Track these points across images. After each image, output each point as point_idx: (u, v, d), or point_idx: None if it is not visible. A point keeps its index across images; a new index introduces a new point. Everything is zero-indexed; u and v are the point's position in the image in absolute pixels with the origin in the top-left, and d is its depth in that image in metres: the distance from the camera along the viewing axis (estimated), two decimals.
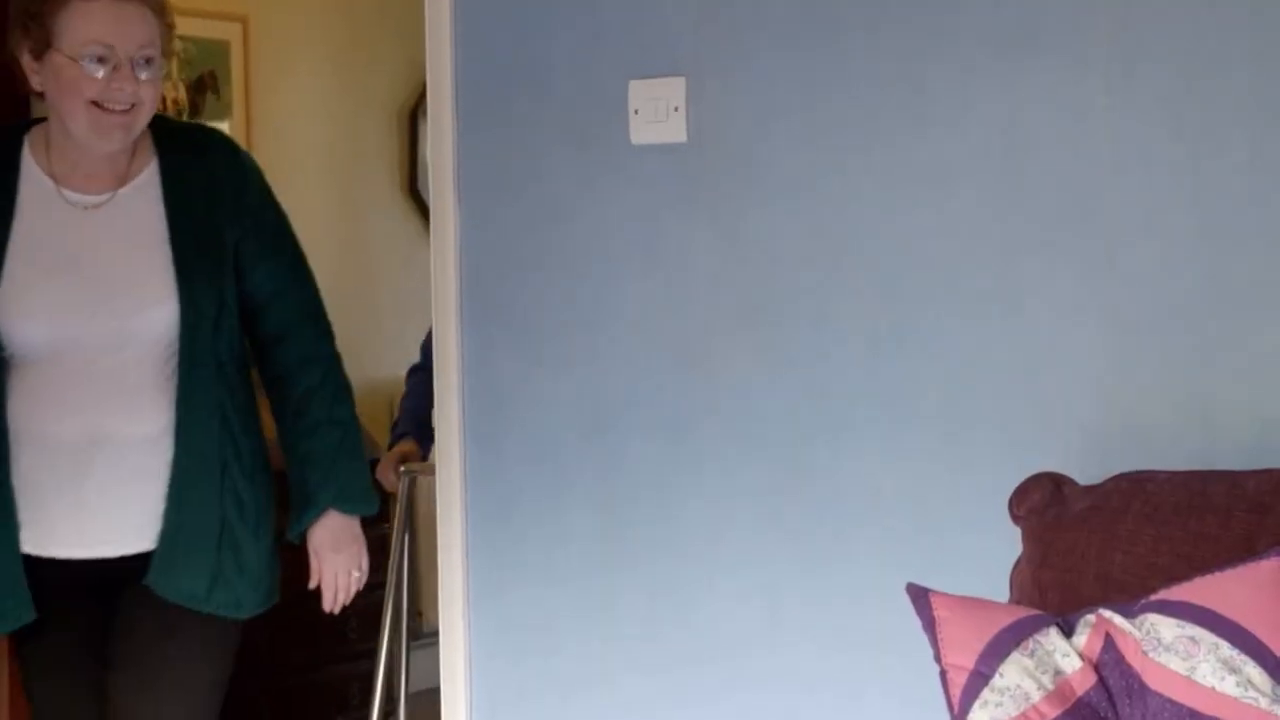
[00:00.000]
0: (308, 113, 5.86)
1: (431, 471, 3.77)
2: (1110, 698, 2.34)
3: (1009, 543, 2.71)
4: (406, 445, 4.23)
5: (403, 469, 4.15)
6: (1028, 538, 2.65)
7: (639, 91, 3.21)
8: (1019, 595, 2.62)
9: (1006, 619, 2.40)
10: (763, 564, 3.14)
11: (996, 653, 2.36)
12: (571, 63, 3.29)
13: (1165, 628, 2.31)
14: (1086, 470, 2.73)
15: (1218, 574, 2.34)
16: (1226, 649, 2.28)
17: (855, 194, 3.05)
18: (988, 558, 2.81)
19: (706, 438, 3.19)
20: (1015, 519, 2.69)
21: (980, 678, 2.35)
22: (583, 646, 3.32)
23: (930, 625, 2.43)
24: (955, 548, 2.94)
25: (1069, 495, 2.65)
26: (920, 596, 2.46)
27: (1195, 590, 2.32)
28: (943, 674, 2.40)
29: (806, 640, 3.11)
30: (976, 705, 2.35)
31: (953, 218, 2.97)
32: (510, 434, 3.37)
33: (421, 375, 4.16)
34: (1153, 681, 2.31)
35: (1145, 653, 2.32)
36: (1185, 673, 2.29)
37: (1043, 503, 2.65)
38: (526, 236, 3.34)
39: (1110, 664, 2.35)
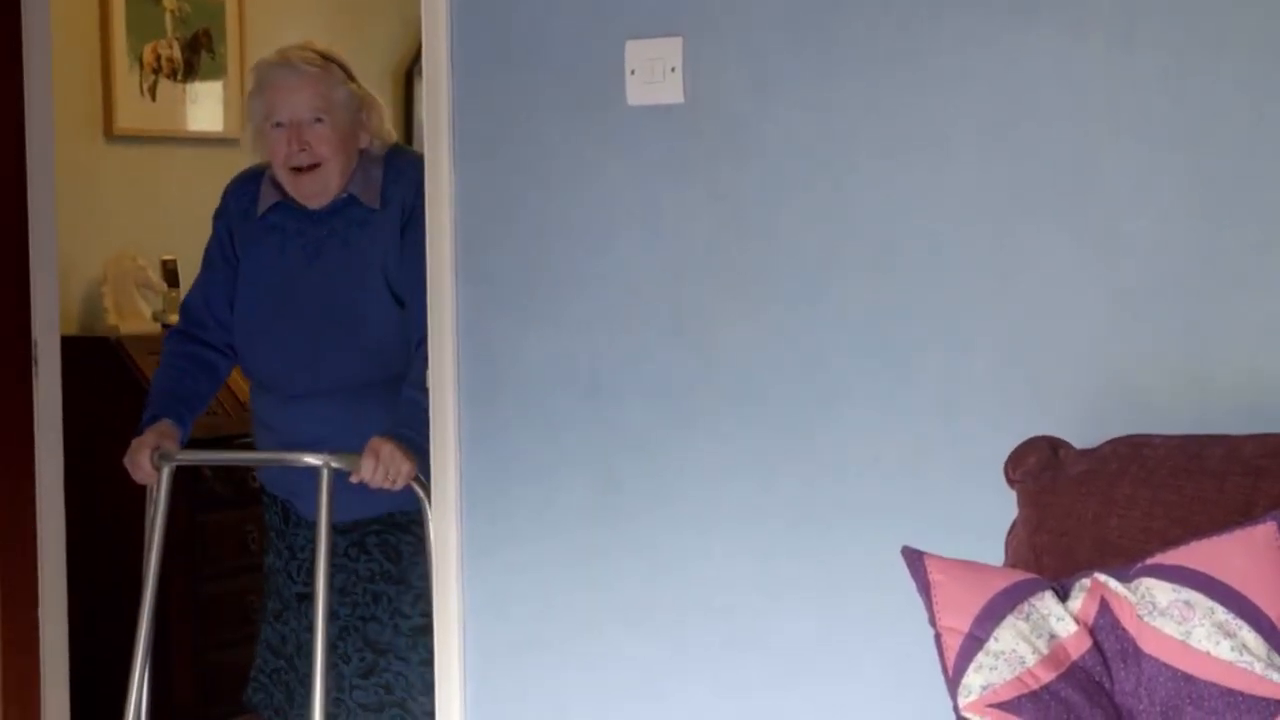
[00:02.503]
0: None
1: (198, 461, 3.71)
2: (1105, 662, 2.34)
3: (1005, 506, 2.71)
4: (164, 428, 3.69)
5: (159, 457, 3.64)
6: (1024, 501, 2.65)
7: (636, 52, 3.19)
8: (1014, 559, 2.62)
9: (1002, 582, 2.40)
10: (758, 527, 3.14)
11: (991, 616, 2.36)
12: (568, 22, 3.27)
13: (1161, 592, 2.31)
14: (1083, 435, 2.73)
15: (1214, 538, 2.34)
16: (1222, 613, 2.28)
17: (853, 158, 3.04)
18: (983, 521, 2.81)
19: (701, 401, 3.18)
20: (1011, 482, 2.69)
21: (975, 641, 2.35)
22: (576, 609, 3.32)
23: (925, 588, 2.43)
24: (951, 511, 2.94)
25: (1065, 459, 2.65)
26: (915, 559, 2.46)
27: (1191, 554, 2.32)
28: (937, 637, 2.40)
29: (801, 603, 3.11)
30: (971, 668, 2.35)
31: (950, 183, 2.96)
32: (504, 397, 3.37)
33: (180, 343, 3.84)
34: (1148, 645, 2.31)
35: (1140, 617, 2.32)
36: (1180, 637, 2.29)
37: (1039, 466, 2.65)
38: (522, 197, 3.33)
39: (1105, 628, 2.35)
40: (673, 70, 3.16)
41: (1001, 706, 2.31)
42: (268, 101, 3.70)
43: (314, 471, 3.55)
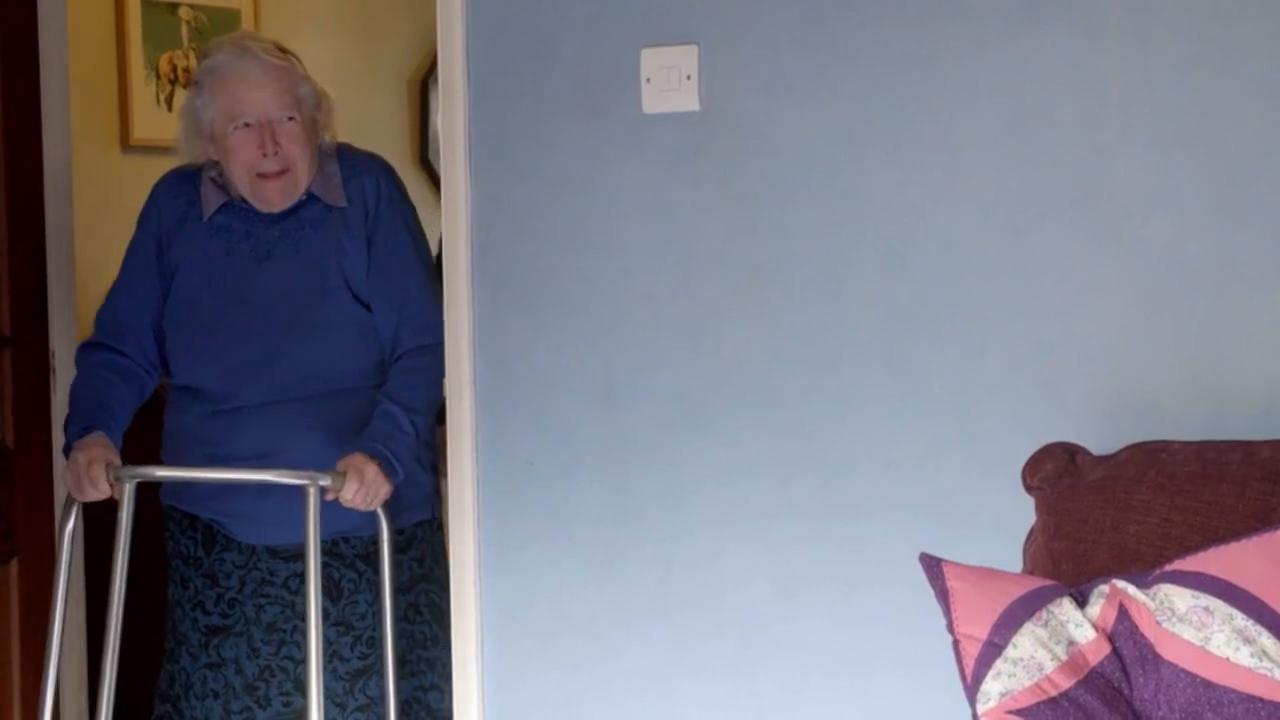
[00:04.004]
0: (318, 80, 5.85)
1: (165, 478, 3.40)
2: (1124, 668, 2.34)
3: (1021, 511, 2.71)
4: (104, 440, 3.39)
5: (116, 473, 3.33)
6: (1041, 508, 2.65)
7: (651, 59, 3.20)
8: (1032, 565, 2.61)
9: (1020, 589, 2.39)
10: (772, 531, 3.14)
11: (1010, 623, 2.36)
12: (583, 30, 3.27)
13: (1179, 598, 2.31)
14: (1100, 441, 2.73)
15: (1233, 544, 2.33)
16: (1241, 619, 2.27)
17: (867, 165, 3.04)
18: (1001, 528, 2.80)
19: (717, 409, 3.18)
20: (1029, 489, 2.69)
21: (993, 648, 2.35)
22: (592, 617, 3.32)
23: (943, 595, 2.42)
24: (968, 518, 2.94)
25: (1083, 465, 2.65)
26: (933, 566, 2.45)
27: (1210, 560, 2.32)
28: (956, 644, 2.40)
29: (817, 611, 3.11)
30: (989, 675, 2.34)
31: (965, 188, 2.96)
32: (520, 404, 3.37)
33: (100, 354, 3.53)
34: (1166, 652, 2.31)
35: (1159, 623, 2.32)
36: (1199, 643, 2.28)
37: (1056, 473, 2.65)
38: (537, 206, 3.33)
39: (1124, 634, 2.34)
40: (688, 78, 3.16)
41: (1020, 713, 2.31)
42: (229, 98, 3.39)
43: (300, 491, 3.27)
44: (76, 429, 3.40)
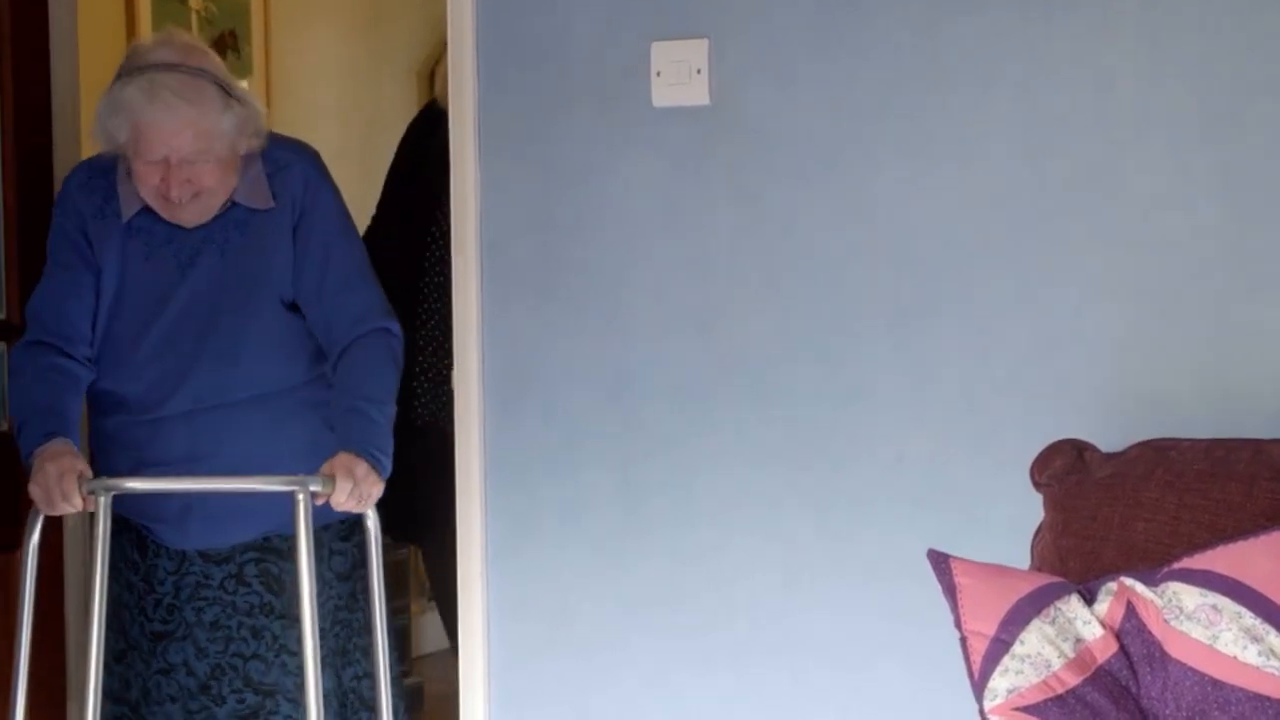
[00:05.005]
0: (328, 72, 5.85)
1: (144, 489, 3.13)
2: (1131, 665, 2.33)
3: (1029, 507, 2.71)
4: (70, 449, 3.10)
5: (86, 486, 3.04)
6: (1049, 505, 2.65)
7: (661, 53, 3.19)
8: (1040, 562, 2.61)
9: (1027, 586, 2.39)
10: (781, 529, 3.14)
11: (1017, 620, 2.36)
12: (593, 23, 3.27)
13: (1187, 596, 2.31)
14: (1108, 438, 2.73)
15: (1241, 542, 2.33)
16: (1249, 618, 2.27)
17: (877, 159, 3.04)
18: (1009, 524, 2.80)
19: (725, 403, 3.19)
20: (1037, 486, 2.69)
21: (1001, 645, 2.35)
22: (599, 609, 3.32)
23: (951, 591, 2.42)
24: (976, 514, 2.94)
25: (1091, 462, 2.64)
26: (941, 562, 2.45)
27: (1218, 558, 2.32)
28: (963, 641, 2.40)
29: (825, 605, 3.11)
30: (997, 672, 2.34)
31: (976, 183, 2.96)
32: (529, 397, 3.37)
33: (43, 354, 3.25)
34: (1174, 650, 2.31)
35: (1167, 621, 2.32)
36: (1207, 641, 2.28)
37: (1065, 469, 2.65)
38: (547, 198, 3.33)
39: (1131, 632, 2.34)
40: (698, 72, 3.16)
41: (1027, 710, 2.31)
42: (137, 136, 3.15)
43: (289, 497, 3.05)
44: (36, 435, 3.14)
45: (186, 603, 3.30)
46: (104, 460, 3.29)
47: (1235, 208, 2.77)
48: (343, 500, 3.09)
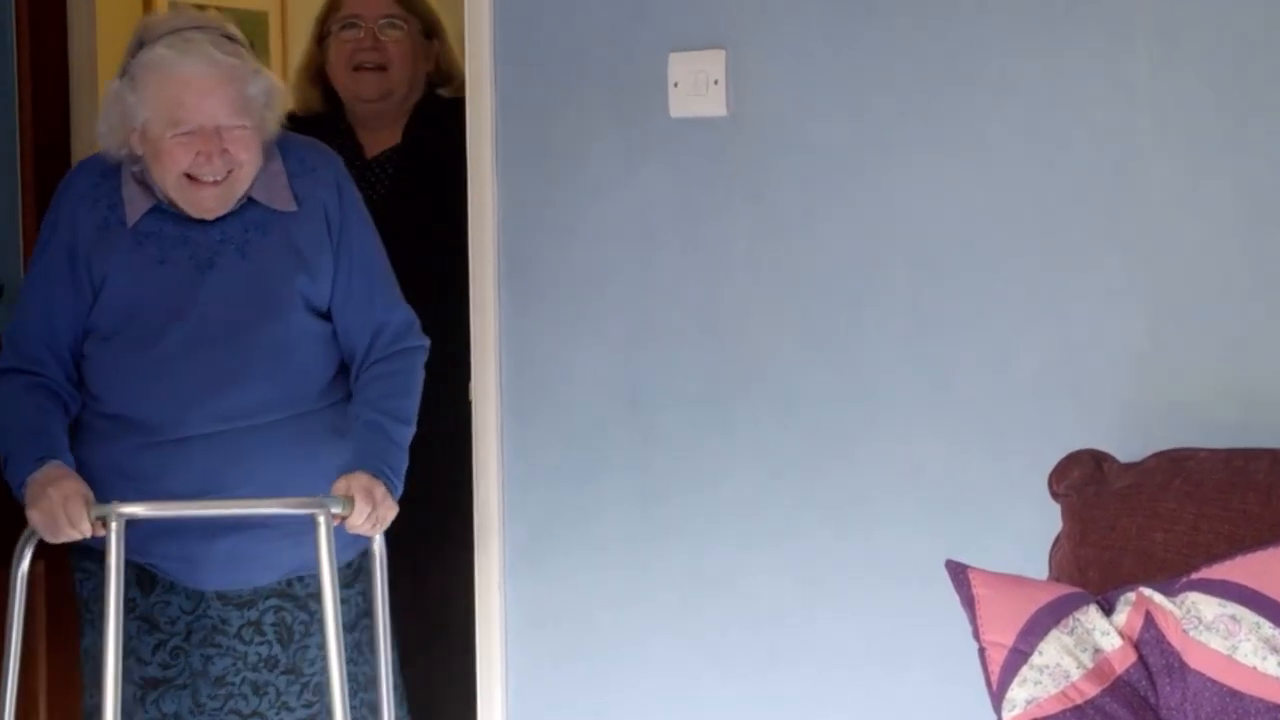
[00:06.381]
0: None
1: (157, 516, 2.91)
2: (1150, 676, 2.33)
3: (1049, 520, 2.70)
4: (70, 472, 2.90)
5: (95, 511, 2.84)
6: (1067, 515, 2.64)
7: (679, 64, 3.20)
8: (1058, 573, 2.61)
9: (1046, 596, 2.39)
10: (799, 538, 3.14)
11: (1036, 630, 2.35)
12: (611, 34, 3.28)
13: (1206, 606, 2.30)
14: (1126, 448, 2.72)
15: (1260, 552, 2.33)
16: (1268, 628, 2.27)
17: (894, 168, 3.03)
18: (1027, 535, 2.80)
19: (743, 412, 3.18)
20: (1055, 496, 2.69)
21: (1019, 655, 2.35)
22: (618, 618, 3.32)
23: (969, 602, 2.42)
24: (994, 524, 2.93)
25: (1109, 472, 2.64)
26: (959, 573, 2.45)
27: (1237, 569, 2.32)
28: (981, 651, 2.40)
29: (843, 615, 3.11)
30: (1015, 682, 2.34)
31: (993, 193, 2.96)
32: (547, 407, 3.37)
33: (22, 379, 3.02)
34: (1193, 660, 2.30)
35: (1186, 631, 2.31)
36: (1226, 652, 2.28)
37: (1083, 480, 2.65)
38: (564, 209, 3.34)
39: (1150, 642, 2.34)
40: (715, 83, 3.16)
41: None
42: (169, 102, 2.91)
43: (310, 520, 2.89)
44: (29, 460, 2.90)
45: (196, 648, 3.04)
46: (104, 497, 2.91)
47: (1255, 215, 2.76)
48: (359, 523, 2.94)
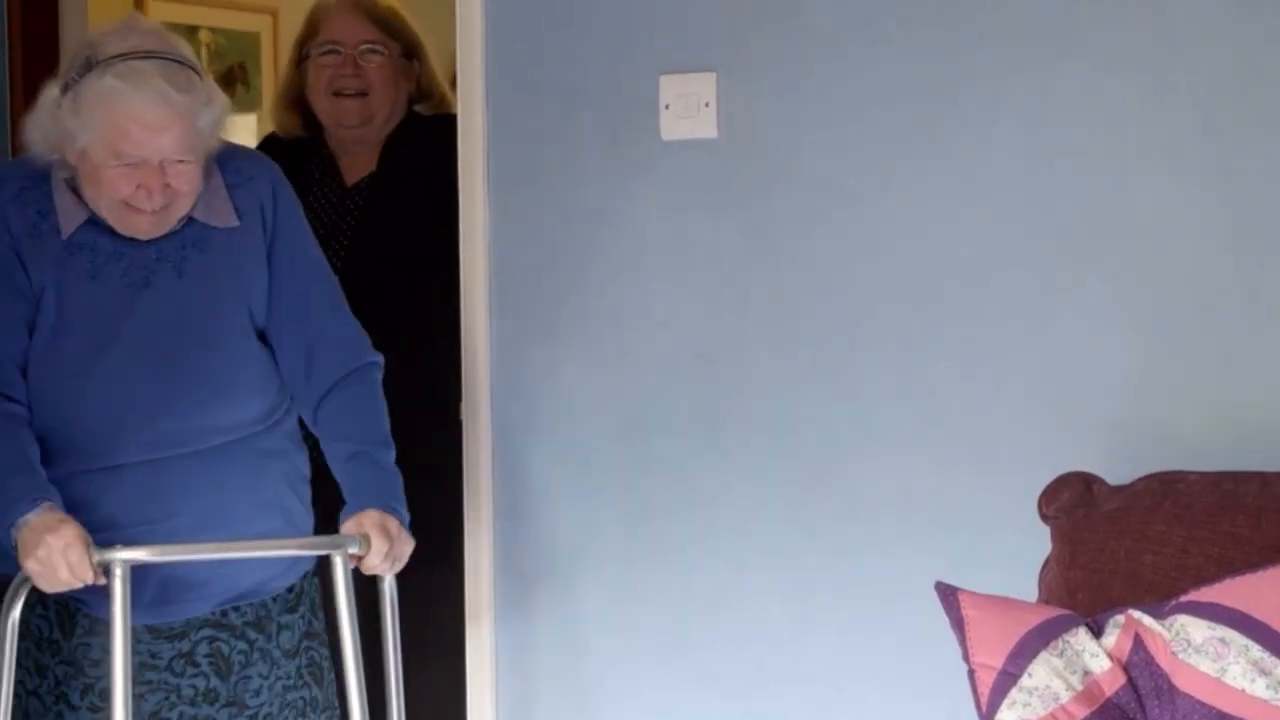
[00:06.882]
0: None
1: (164, 560, 2.74)
2: (1139, 699, 2.33)
3: (1038, 542, 2.71)
4: (61, 515, 2.71)
5: (97, 557, 2.66)
6: (1057, 537, 2.65)
7: (670, 86, 3.20)
8: (1048, 595, 2.61)
9: (1035, 619, 2.39)
10: (791, 562, 3.14)
11: (1025, 652, 2.36)
12: (602, 56, 3.28)
13: (1195, 629, 2.31)
14: (1116, 471, 2.73)
15: (1249, 575, 2.33)
16: (1257, 651, 2.27)
17: (886, 192, 3.04)
18: (1016, 557, 2.80)
19: (735, 436, 3.19)
20: (1044, 518, 2.69)
21: (1009, 677, 2.35)
22: (611, 643, 3.32)
23: (959, 624, 2.42)
24: (984, 547, 2.94)
25: (1099, 495, 2.65)
26: (949, 595, 2.46)
27: (1226, 591, 2.32)
28: (971, 673, 2.40)
29: (835, 638, 3.11)
30: (1005, 705, 2.34)
31: (983, 216, 2.96)
32: (538, 431, 3.37)
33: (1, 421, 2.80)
34: (1182, 683, 2.31)
35: (1175, 654, 2.31)
36: (1215, 674, 2.28)
37: (1072, 502, 2.65)
38: (556, 231, 3.34)
39: (1139, 665, 2.34)
40: (706, 105, 3.17)
41: None
42: (116, 133, 2.75)
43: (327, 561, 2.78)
44: (19, 501, 2.72)
45: None
46: None
47: (1245, 237, 2.77)
48: (376, 563, 2.80)
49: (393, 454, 2.93)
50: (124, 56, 2.77)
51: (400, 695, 2.92)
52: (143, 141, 2.74)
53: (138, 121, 2.73)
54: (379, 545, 2.79)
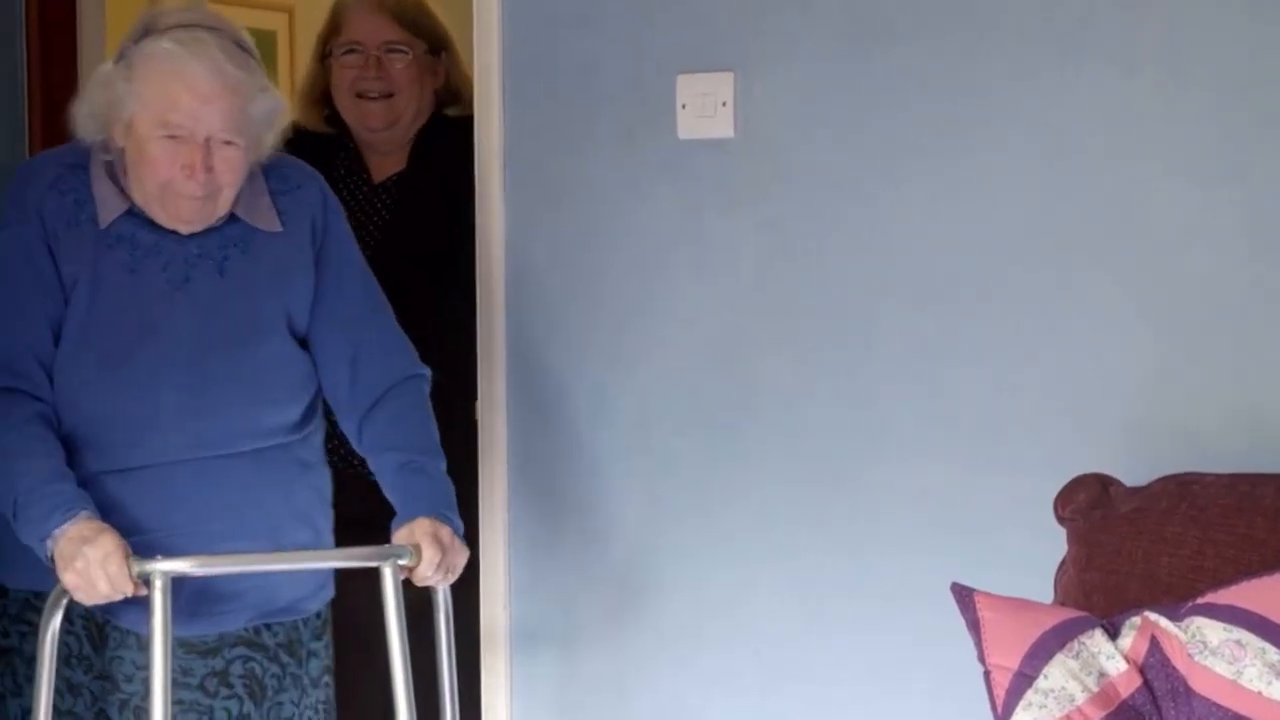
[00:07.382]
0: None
1: (208, 572, 2.66)
2: (1155, 701, 2.33)
3: (1054, 543, 2.70)
4: (100, 525, 2.61)
5: (136, 569, 2.57)
6: (1073, 539, 2.65)
7: (687, 86, 3.20)
8: (1064, 596, 2.61)
9: (1051, 620, 2.39)
10: (805, 563, 3.14)
11: (1041, 654, 2.36)
12: (619, 56, 3.28)
13: (1211, 631, 2.30)
14: (1132, 472, 2.72)
15: (1266, 578, 2.33)
16: (1274, 653, 2.27)
17: (902, 194, 3.04)
18: (1032, 558, 2.80)
19: (749, 436, 3.19)
20: (1060, 520, 2.69)
21: (1024, 679, 2.35)
22: (624, 642, 3.32)
23: (974, 625, 2.42)
24: (1000, 548, 2.94)
25: (1115, 497, 2.64)
26: (965, 596, 2.45)
27: (1242, 593, 2.32)
28: (986, 675, 2.40)
29: (848, 640, 3.11)
30: (1020, 706, 2.34)
31: (1000, 218, 2.96)
32: (552, 429, 3.37)
33: (22, 405, 2.73)
34: (1198, 685, 2.30)
35: (1191, 656, 2.31)
36: (1231, 676, 2.28)
37: (1089, 504, 2.65)
38: (572, 231, 3.34)
39: (1155, 666, 2.34)
40: (724, 105, 3.17)
41: None
42: (165, 100, 2.67)
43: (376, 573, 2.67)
44: (54, 511, 2.61)
45: None
46: None
47: (1261, 240, 2.77)
48: (429, 574, 2.71)
49: (444, 464, 2.86)
50: (186, 26, 2.73)
51: (456, 708, 2.84)
52: (190, 110, 2.67)
53: (189, 88, 2.67)
54: (431, 555, 2.69)
